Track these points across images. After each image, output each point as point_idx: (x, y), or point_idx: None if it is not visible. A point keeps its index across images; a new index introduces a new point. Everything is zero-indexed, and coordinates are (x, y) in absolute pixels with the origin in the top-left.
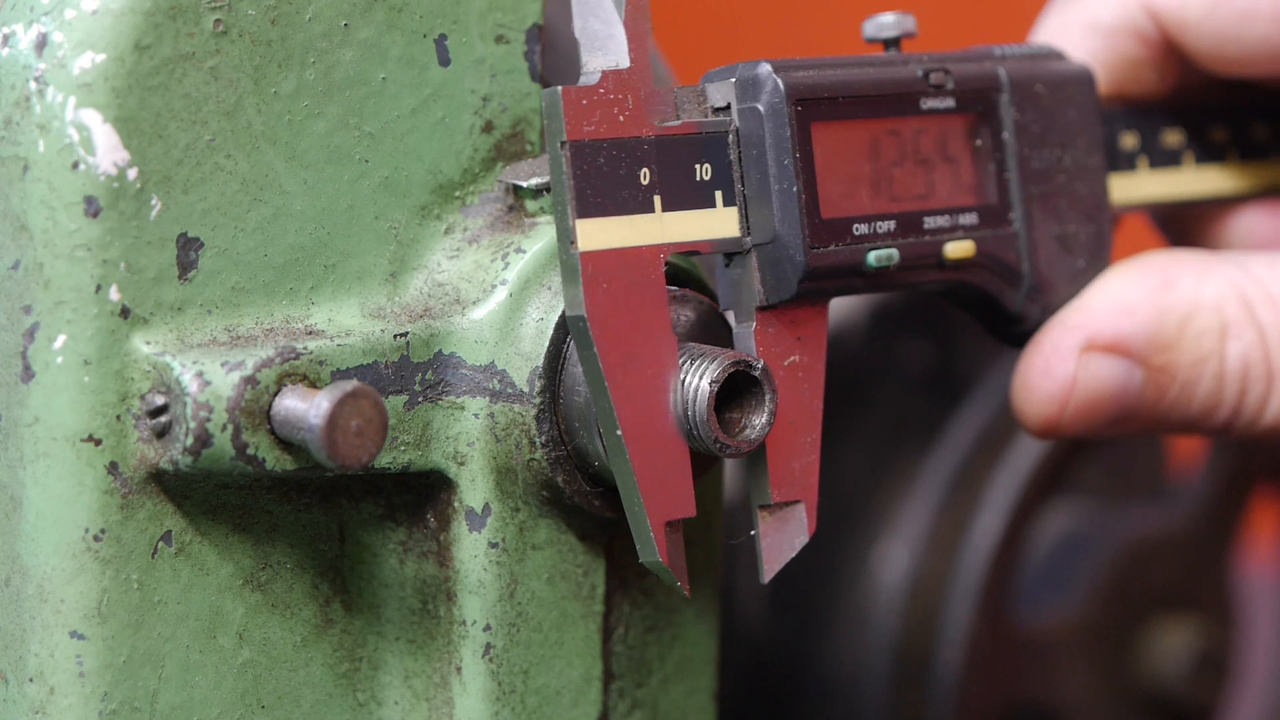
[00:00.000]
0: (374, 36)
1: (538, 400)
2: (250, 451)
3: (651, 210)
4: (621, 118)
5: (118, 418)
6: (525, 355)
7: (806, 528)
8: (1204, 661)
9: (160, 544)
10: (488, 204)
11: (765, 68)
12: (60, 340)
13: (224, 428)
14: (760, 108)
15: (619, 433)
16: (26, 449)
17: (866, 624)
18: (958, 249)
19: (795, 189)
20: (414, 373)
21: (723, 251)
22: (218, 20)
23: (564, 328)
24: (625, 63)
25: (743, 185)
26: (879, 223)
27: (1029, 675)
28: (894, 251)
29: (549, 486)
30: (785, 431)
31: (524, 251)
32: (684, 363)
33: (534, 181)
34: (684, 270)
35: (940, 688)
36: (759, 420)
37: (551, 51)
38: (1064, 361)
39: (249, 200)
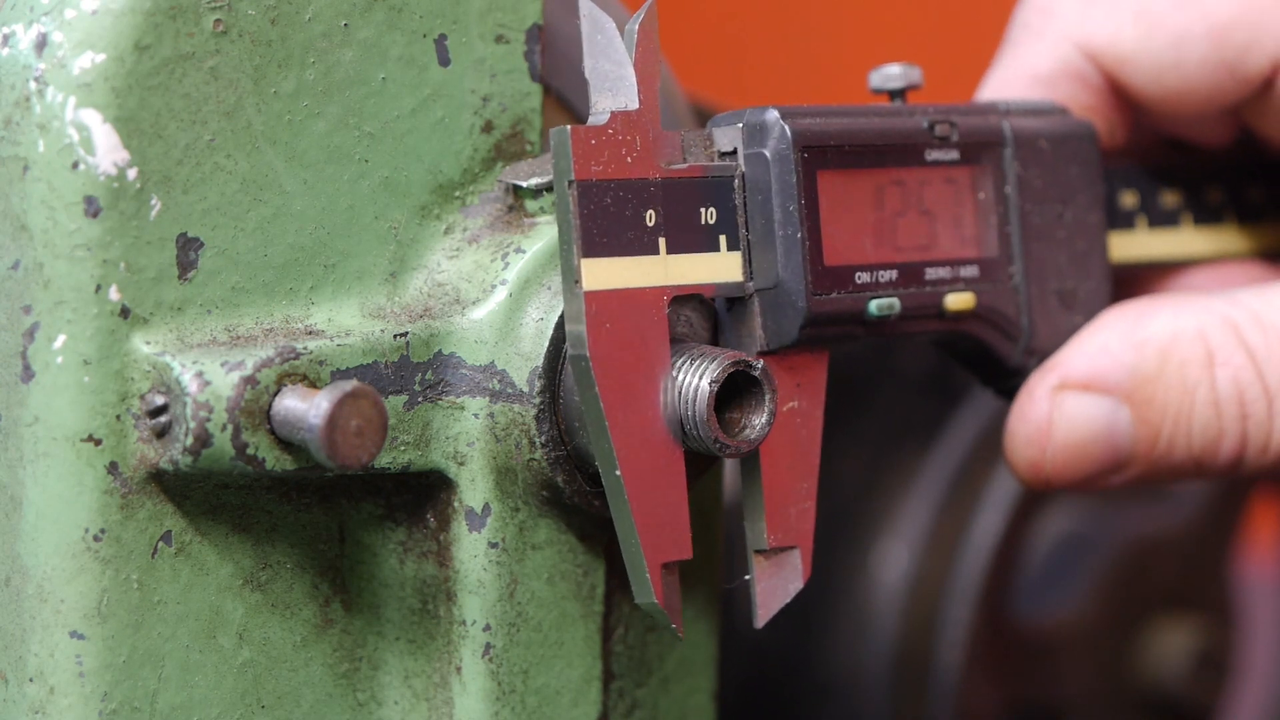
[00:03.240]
0: (374, 36)
1: (538, 400)
2: (250, 451)
3: (656, 252)
4: (629, 159)
5: (118, 418)
6: (525, 355)
7: (801, 574)
8: (1204, 661)
9: (160, 544)
10: (487, 204)
11: (773, 114)
12: (60, 340)
13: (224, 428)
14: (767, 153)
15: (618, 474)
16: (26, 449)
17: (867, 624)
18: (958, 300)
19: (800, 235)
20: (414, 373)
21: (725, 295)
22: (218, 20)
23: (564, 327)
24: (635, 104)
25: (747, 230)
26: (881, 272)
27: (1029, 675)
28: (895, 300)
29: (549, 486)
30: (783, 477)
31: (524, 251)
32: (683, 363)
33: (534, 181)
34: None
35: (940, 688)
36: (759, 420)
37: (551, 52)
38: (1038, 403)
39: (249, 200)
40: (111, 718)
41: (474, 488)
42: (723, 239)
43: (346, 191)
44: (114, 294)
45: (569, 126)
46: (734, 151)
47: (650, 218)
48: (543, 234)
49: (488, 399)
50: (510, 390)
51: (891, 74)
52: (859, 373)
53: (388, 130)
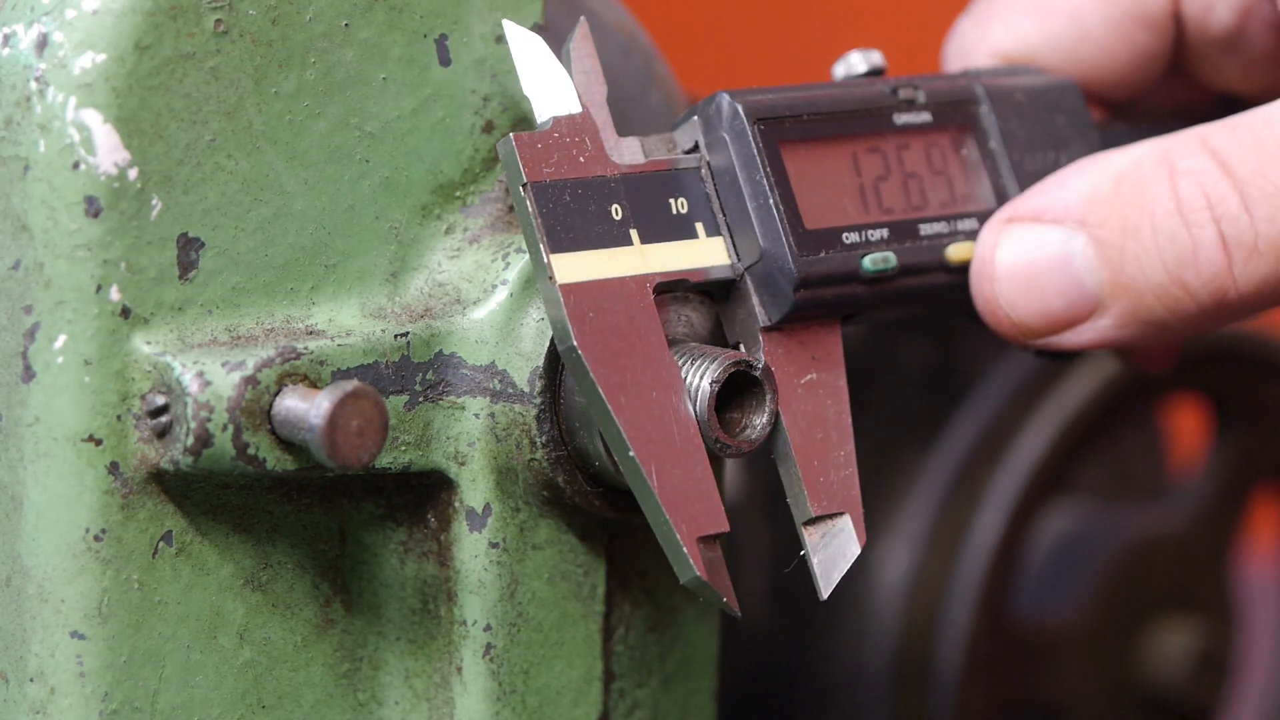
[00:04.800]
0: (375, 36)
1: (538, 400)
2: (251, 451)
3: (630, 243)
4: (581, 159)
5: (118, 418)
6: (526, 355)
7: (856, 539)
8: (1204, 661)
9: (161, 544)
10: (488, 204)
11: (723, 97)
12: (61, 340)
13: (224, 428)
14: (724, 135)
15: (631, 455)
16: (27, 449)
17: (867, 624)
18: (961, 250)
19: (772, 202)
20: (414, 373)
21: (715, 281)
22: (218, 20)
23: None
24: (577, 108)
25: (725, 215)
26: (870, 231)
27: (1029, 675)
28: (890, 255)
29: (549, 486)
30: (816, 448)
31: (524, 251)
32: (683, 363)
33: None
34: None
35: (940, 688)
36: (759, 420)
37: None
38: (984, 238)
39: (250, 200)
40: (112, 718)
41: (475, 488)
42: (699, 226)
43: (347, 191)
44: (115, 294)
45: (511, 134)
46: (695, 146)
47: (616, 211)
48: None
49: (488, 399)
50: (511, 390)
51: (853, 61)
52: (859, 371)
53: (388, 130)
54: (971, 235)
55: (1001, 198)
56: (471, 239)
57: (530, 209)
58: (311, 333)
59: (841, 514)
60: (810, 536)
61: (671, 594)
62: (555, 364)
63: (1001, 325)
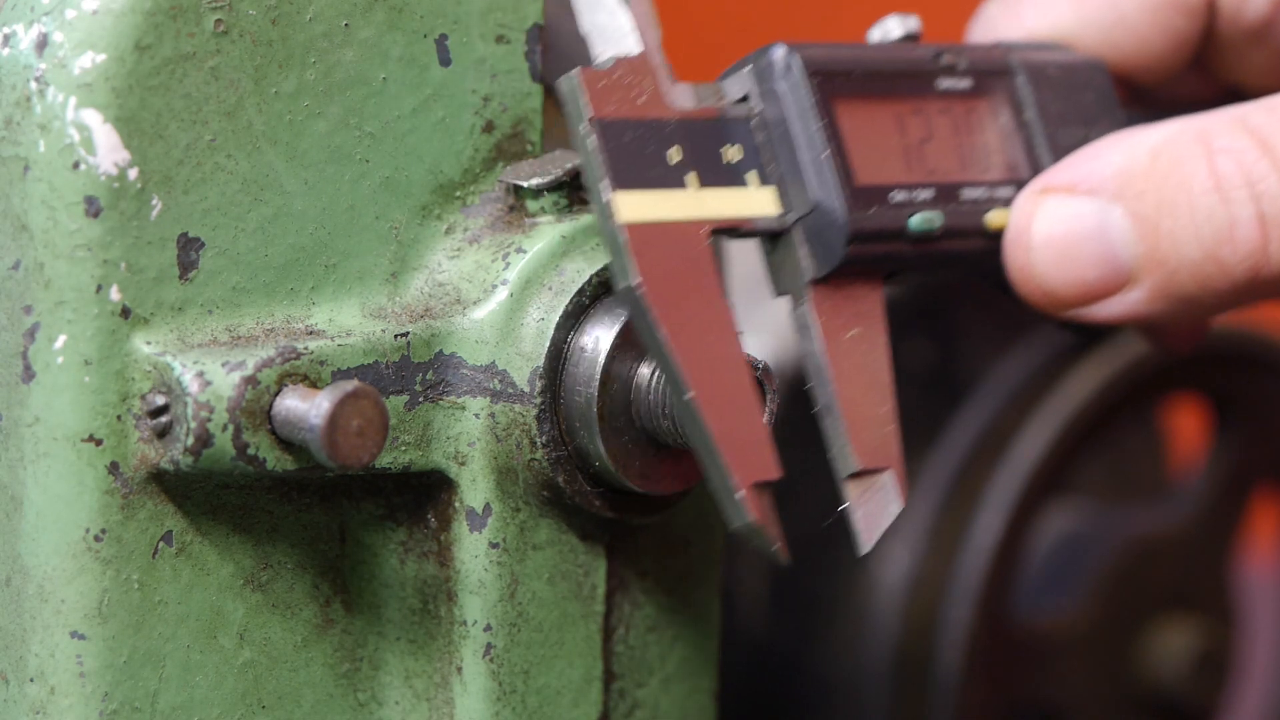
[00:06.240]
0: (375, 36)
1: (539, 400)
2: (251, 451)
3: (687, 186)
4: (639, 100)
5: (118, 418)
6: (526, 355)
7: (899, 495)
8: (1204, 662)
9: (161, 544)
10: (488, 204)
11: (780, 48)
12: (61, 340)
13: (225, 428)
14: (781, 85)
15: (689, 396)
16: (27, 449)
17: (866, 624)
18: (998, 217)
19: (827, 155)
20: (415, 373)
21: (765, 232)
22: (218, 20)
23: (565, 328)
24: (636, 49)
25: (776, 166)
26: (916, 191)
27: (1029, 675)
28: (937, 215)
29: (550, 486)
30: (859, 402)
31: (525, 251)
32: None
33: (535, 181)
34: None
35: (940, 688)
36: None
37: (552, 51)
38: (1020, 207)
39: (250, 200)
40: (112, 718)
41: (475, 488)
42: (751, 175)
43: (347, 191)
44: (115, 294)
45: (577, 68)
46: (746, 97)
47: (673, 155)
48: (543, 234)
49: (489, 399)
50: (511, 390)
51: (890, 26)
52: None
53: (388, 130)
54: (1007, 203)
55: (1036, 168)
56: (472, 239)
57: (596, 144)
58: (312, 333)
59: (885, 469)
60: (852, 491)
61: (671, 594)
62: (555, 364)
63: (1034, 294)
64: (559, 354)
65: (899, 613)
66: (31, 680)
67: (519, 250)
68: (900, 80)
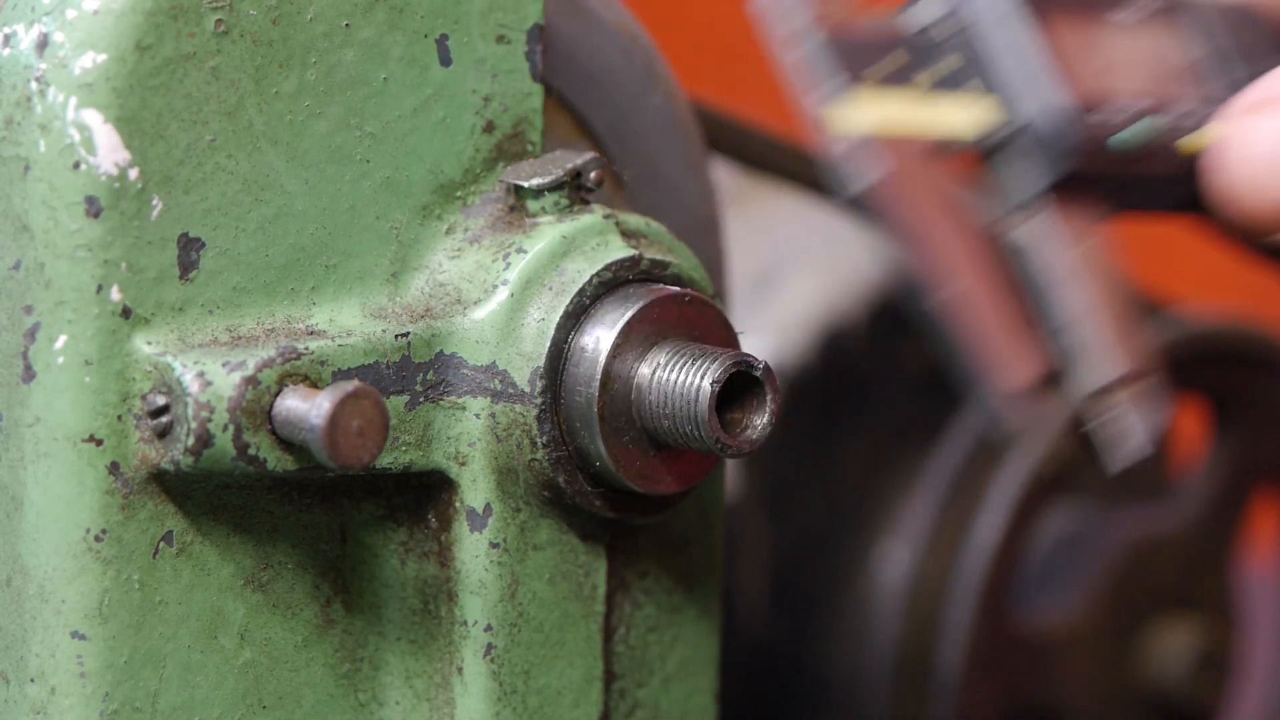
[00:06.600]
0: (375, 36)
1: (539, 400)
2: (251, 452)
3: (912, 91)
4: (850, 18)
5: (119, 418)
6: (526, 355)
7: (1167, 399)
8: (1205, 661)
9: (161, 544)
10: (489, 204)
11: None
12: (61, 340)
13: (225, 428)
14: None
15: (950, 291)
16: (28, 449)
17: (867, 624)
18: (1195, 140)
19: (1046, 66)
20: (415, 373)
21: (987, 142)
22: (219, 20)
23: (565, 328)
24: None
25: (994, 75)
26: (1131, 105)
27: (1029, 675)
28: (1148, 128)
29: (550, 487)
30: (1112, 310)
31: (525, 252)
32: (684, 363)
33: (535, 182)
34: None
35: (940, 688)
36: (760, 420)
37: (552, 51)
38: (1218, 130)
39: (250, 200)
40: (113, 718)
41: (475, 488)
42: (971, 84)
43: (348, 192)
44: (115, 294)
45: None
46: (940, 19)
47: (896, 59)
48: (544, 234)
49: (489, 399)
50: (511, 390)
51: None
52: (860, 372)
53: (389, 130)
54: (1202, 125)
55: (1223, 95)
56: (472, 239)
57: (823, 44)
58: (312, 333)
59: (1144, 377)
60: (1099, 407)
61: (672, 594)
62: (556, 364)
63: (1232, 219)
64: (559, 354)
65: (899, 612)
66: (32, 680)
67: (519, 250)
68: (1095, 1)
